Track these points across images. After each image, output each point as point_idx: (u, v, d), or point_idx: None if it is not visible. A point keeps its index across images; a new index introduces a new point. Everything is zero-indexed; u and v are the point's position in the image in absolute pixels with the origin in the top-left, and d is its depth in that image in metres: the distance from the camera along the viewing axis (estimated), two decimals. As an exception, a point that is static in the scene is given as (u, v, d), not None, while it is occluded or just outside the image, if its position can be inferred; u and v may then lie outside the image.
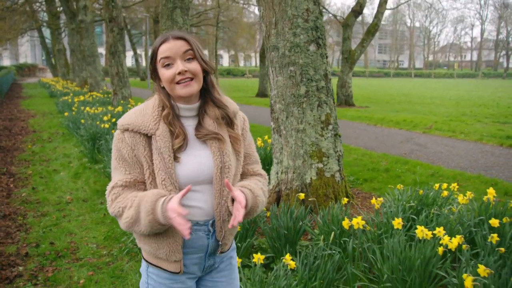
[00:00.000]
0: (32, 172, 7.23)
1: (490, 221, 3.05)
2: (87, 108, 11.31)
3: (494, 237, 2.88)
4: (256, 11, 28.60)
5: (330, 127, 4.55)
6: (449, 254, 3.04)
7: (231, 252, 1.81)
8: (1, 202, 5.70)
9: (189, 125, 1.65)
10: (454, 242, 2.78)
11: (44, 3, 29.09)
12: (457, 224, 3.34)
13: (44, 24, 34.40)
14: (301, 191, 4.44)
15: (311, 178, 4.46)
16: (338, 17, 20.46)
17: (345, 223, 3.05)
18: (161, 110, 1.61)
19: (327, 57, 4.60)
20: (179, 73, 1.54)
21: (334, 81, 20.97)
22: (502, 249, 2.78)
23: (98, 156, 7.58)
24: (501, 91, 32.00)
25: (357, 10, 18.24)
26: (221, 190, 1.63)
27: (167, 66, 1.57)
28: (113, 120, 8.83)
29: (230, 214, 1.64)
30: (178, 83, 1.56)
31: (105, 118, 8.90)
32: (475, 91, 32.95)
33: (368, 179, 6.07)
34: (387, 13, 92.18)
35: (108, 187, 1.61)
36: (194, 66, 1.57)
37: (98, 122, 8.69)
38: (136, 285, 3.48)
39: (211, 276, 1.76)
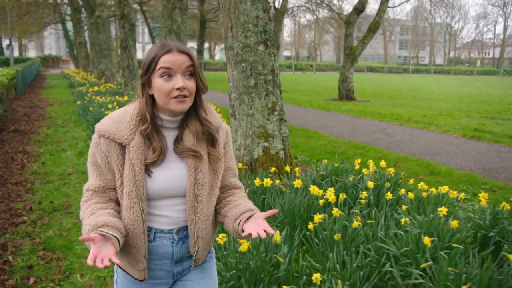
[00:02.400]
0: (44, 151, 8.41)
1: (368, 184, 4.03)
2: (98, 97, 12.52)
3: (364, 194, 3.86)
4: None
5: (276, 113, 5.56)
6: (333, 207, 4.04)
7: (207, 261, 1.84)
8: (16, 173, 6.87)
9: (170, 135, 1.65)
10: (332, 196, 3.77)
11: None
12: (350, 187, 4.33)
13: (67, 17, 35.99)
14: (250, 165, 5.48)
15: (258, 154, 5.49)
16: (340, 15, 21.26)
17: (256, 182, 4.08)
18: (139, 120, 1.59)
19: (275, 55, 5.60)
20: (178, 89, 1.53)
21: (337, 76, 21.84)
22: (363, 201, 3.77)
23: (100, 138, 8.73)
24: (514, 89, 32.19)
25: (359, 8, 19.01)
26: (195, 207, 1.64)
27: (166, 77, 1.53)
28: (117, 107, 9.99)
29: (204, 230, 1.68)
30: (173, 97, 1.54)
31: (109, 106, 10.06)
32: (488, 88, 33.09)
33: (320, 160, 7.03)
34: (408, 8, 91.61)
35: (84, 187, 1.67)
36: (192, 84, 1.57)
37: (103, 109, 9.86)
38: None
39: (182, 280, 1.78)
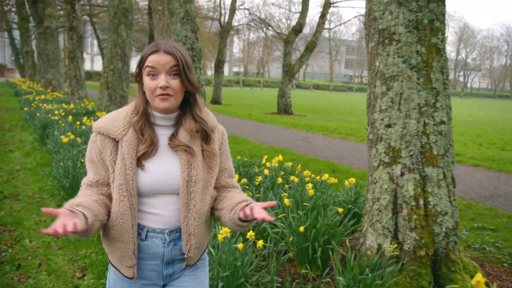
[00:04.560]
0: (-8, 151, 9.06)
1: (264, 171, 5.15)
2: (45, 105, 13.15)
3: (259, 179, 4.97)
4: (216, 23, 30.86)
5: (201, 117, 6.63)
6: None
7: (199, 263, 1.82)
8: (-35, 169, 7.55)
9: (163, 134, 1.68)
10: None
11: (15, 5, 30.58)
12: (254, 175, 5.44)
13: (14, 25, 35.77)
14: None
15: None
16: (281, 34, 22.78)
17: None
18: (133, 117, 1.64)
19: (200, 69, 6.69)
20: (161, 87, 1.57)
21: (276, 92, 23.24)
22: (257, 182, 4.88)
23: (46, 140, 9.46)
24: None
25: (297, 29, 20.56)
26: (188, 204, 1.65)
27: (151, 76, 1.58)
28: (63, 114, 10.74)
29: (196, 227, 1.69)
30: (157, 95, 1.58)
31: (56, 112, 10.79)
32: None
33: (243, 161, 8.19)
34: (353, 29, 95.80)
35: (81, 183, 1.70)
36: (176, 83, 1.59)
37: (50, 115, 10.57)
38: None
39: (173, 284, 1.78)
